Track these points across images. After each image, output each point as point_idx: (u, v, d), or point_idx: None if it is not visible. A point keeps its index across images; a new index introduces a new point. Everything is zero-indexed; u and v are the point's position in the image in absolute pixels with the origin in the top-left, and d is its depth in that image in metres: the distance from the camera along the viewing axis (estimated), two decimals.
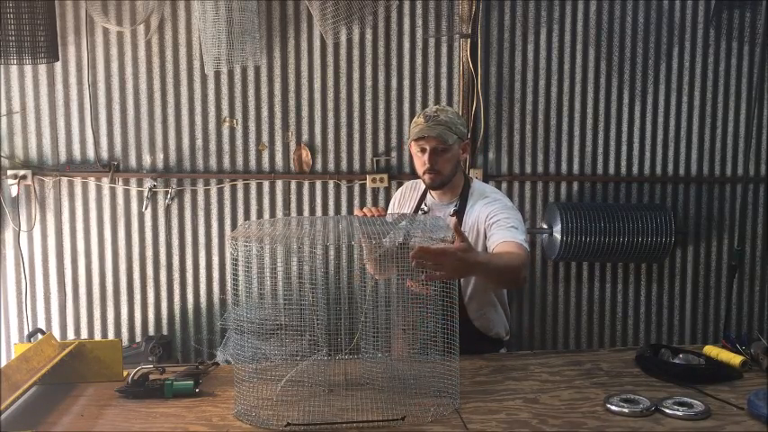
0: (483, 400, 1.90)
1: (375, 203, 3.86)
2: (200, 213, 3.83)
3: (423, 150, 2.33)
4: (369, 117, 3.87)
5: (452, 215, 2.39)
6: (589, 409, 1.85)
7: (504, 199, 2.44)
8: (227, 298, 3.85)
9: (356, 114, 3.86)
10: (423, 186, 2.51)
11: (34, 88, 3.71)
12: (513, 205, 2.43)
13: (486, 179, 3.90)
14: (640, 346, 2.52)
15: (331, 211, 3.87)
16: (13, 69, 3.66)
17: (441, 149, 2.31)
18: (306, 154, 3.86)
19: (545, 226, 3.91)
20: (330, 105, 3.85)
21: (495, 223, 2.27)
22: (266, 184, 3.84)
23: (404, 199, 2.60)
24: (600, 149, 4.01)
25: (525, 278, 2.16)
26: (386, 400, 1.89)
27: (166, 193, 3.79)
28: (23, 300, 3.75)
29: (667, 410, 1.80)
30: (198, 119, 3.80)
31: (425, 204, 2.49)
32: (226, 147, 3.83)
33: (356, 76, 3.85)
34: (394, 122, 3.87)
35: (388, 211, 2.54)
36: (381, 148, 3.89)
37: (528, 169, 3.99)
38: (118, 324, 3.83)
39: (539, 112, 3.96)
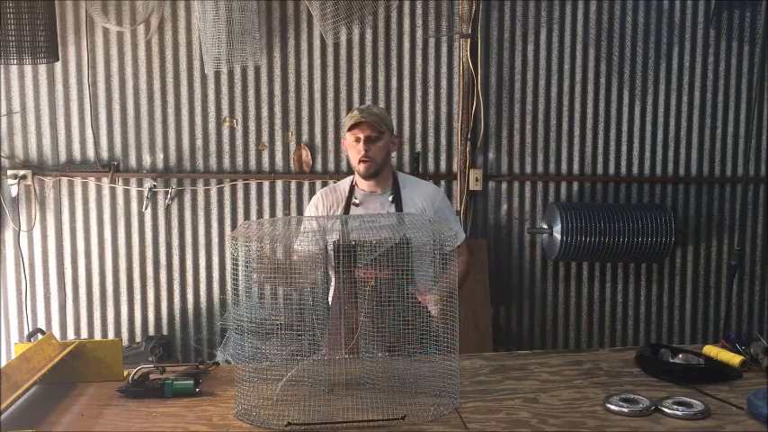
0: (483, 400, 1.90)
1: None
2: (201, 213, 3.83)
3: (357, 140, 2.52)
4: None
5: (392, 202, 2.55)
6: (589, 408, 1.85)
7: (437, 189, 2.81)
8: (227, 298, 3.85)
9: None
10: (344, 186, 2.65)
11: (34, 88, 3.71)
12: (443, 192, 2.88)
13: (486, 179, 3.91)
14: (640, 346, 2.52)
15: None
16: (13, 69, 3.66)
17: (374, 137, 2.50)
18: (306, 154, 3.86)
19: (545, 226, 3.91)
20: (330, 105, 3.85)
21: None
22: (266, 184, 3.84)
23: (325, 207, 2.64)
24: (600, 149, 4.01)
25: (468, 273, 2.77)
26: (386, 399, 1.89)
27: (166, 193, 3.80)
28: (23, 300, 3.75)
29: (667, 410, 1.80)
30: (198, 119, 3.80)
31: (356, 198, 2.59)
32: (226, 147, 3.83)
33: (356, 76, 3.85)
34: (394, 122, 3.86)
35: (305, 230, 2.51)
36: None
37: (528, 169, 3.99)
38: (118, 324, 3.83)
39: (539, 112, 3.96)
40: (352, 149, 2.55)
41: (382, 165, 2.54)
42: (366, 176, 2.57)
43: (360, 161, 2.52)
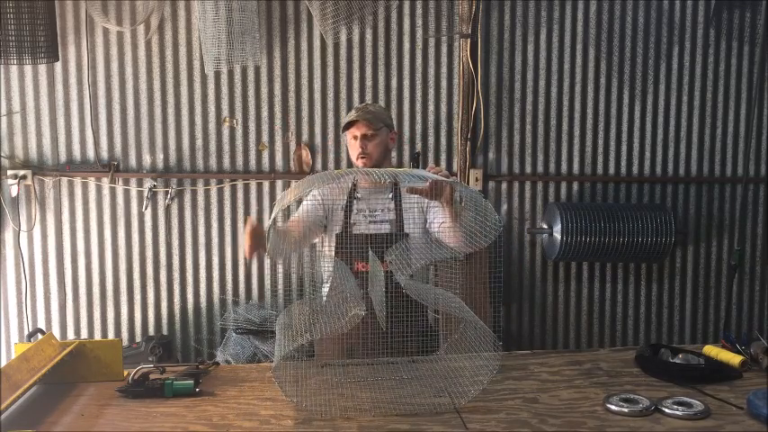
0: (483, 400, 1.90)
1: None
2: (201, 213, 3.83)
3: (354, 138, 2.59)
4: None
5: (392, 199, 2.56)
6: (589, 408, 1.85)
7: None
8: (228, 298, 3.86)
9: None
10: (347, 180, 2.64)
11: (34, 88, 3.71)
12: None
13: (486, 179, 3.91)
14: (640, 346, 2.52)
15: None
16: (13, 69, 3.66)
17: (370, 135, 2.57)
18: (306, 154, 3.86)
19: (545, 226, 3.91)
20: (330, 105, 3.85)
21: (435, 208, 2.53)
22: (266, 185, 3.84)
23: (332, 191, 2.62)
24: (600, 149, 4.01)
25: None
26: (386, 399, 1.89)
27: (166, 193, 3.79)
28: (23, 300, 3.75)
29: (667, 410, 1.80)
30: (198, 119, 3.80)
31: (358, 193, 2.59)
32: (226, 147, 3.83)
33: (356, 76, 3.85)
34: (394, 122, 3.86)
35: (309, 199, 2.59)
36: None
37: (528, 169, 3.99)
38: (118, 324, 3.83)
39: (539, 112, 3.96)
40: (351, 147, 2.63)
41: (381, 160, 2.60)
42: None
43: (358, 157, 2.59)
